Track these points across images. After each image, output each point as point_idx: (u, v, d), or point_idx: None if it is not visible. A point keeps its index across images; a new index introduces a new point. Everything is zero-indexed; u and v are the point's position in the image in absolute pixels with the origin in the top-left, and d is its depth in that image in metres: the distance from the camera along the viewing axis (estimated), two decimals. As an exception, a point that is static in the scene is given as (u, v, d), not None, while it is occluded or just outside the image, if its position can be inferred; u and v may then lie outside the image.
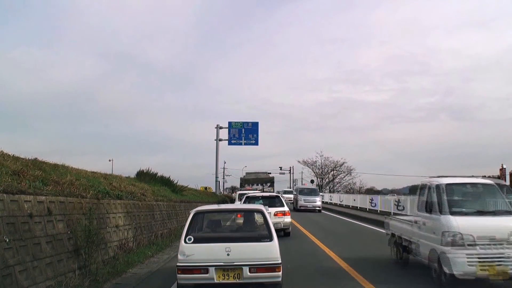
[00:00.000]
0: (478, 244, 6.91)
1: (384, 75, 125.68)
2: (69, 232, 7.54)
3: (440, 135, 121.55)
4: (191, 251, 6.18)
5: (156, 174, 21.75)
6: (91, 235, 7.66)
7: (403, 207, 23.25)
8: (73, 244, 7.57)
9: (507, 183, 52.94)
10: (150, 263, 10.09)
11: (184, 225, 6.71)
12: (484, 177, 10.88)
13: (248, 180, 61.53)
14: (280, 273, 6.21)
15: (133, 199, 12.24)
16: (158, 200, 15.34)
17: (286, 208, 15.56)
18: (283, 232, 14.98)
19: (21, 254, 6.04)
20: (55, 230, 7.16)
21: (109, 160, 59.62)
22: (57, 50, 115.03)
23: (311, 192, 34.94)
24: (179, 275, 6.17)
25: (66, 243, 7.40)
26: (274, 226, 6.96)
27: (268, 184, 57.66)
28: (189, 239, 6.30)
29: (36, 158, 10.07)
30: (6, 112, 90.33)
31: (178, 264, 6.20)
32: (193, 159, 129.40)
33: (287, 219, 15.30)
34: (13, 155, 9.35)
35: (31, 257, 6.27)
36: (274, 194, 19.45)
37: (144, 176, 20.68)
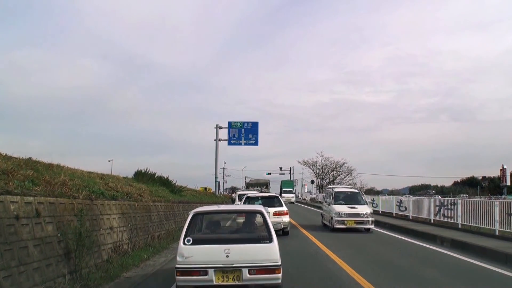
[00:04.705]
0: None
1: (385, 76, 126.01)
2: (59, 234, 7.17)
3: (441, 136, 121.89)
4: (190, 253, 6.08)
5: (154, 174, 21.37)
6: (82, 237, 7.29)
7: (405, 208, 22.92)
8: (63, 247, 7.21)
9: (508, 183, 52.36)
10: (145, 267, 9.69)
11: (183, 227, 6.60)
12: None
13: (250, 184, 68.77)
14: (280, 274, 6.12)
15: (129, 200, 11.86)
16: (156, 201, 14.97)
17: (284, 208, 16.06)
18: (282, 232, 15.45)
19: (6, 258, 5.69)
20: (44, 232, 6.80)
21: (109, 161, 59.40)
22: (60, 53, 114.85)
23: (352, 199, 18.42)
24: (178, 277, 6.05)
25: (56, 246, 7.03)
26: (274, 226, 6.86)
27: (264, 187, 62.98)
28: (188, 241, 6.19)
29: (30, 158, 9.76)
30: (8, 113, 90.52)
31: (176, 266, 6.09)
32: (194, 160, 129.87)
33: (286, 218, 15.81)
34: (5, 154, 9.07)
35: (17, 261, 5.91)
36: (273, 194, 19.64)
37: (142, 176, 20.29)
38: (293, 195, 61.31)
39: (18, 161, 8.84)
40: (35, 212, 6.69)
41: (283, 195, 52.90)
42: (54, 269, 6.78)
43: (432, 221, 18.99)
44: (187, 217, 6.75)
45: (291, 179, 79.50)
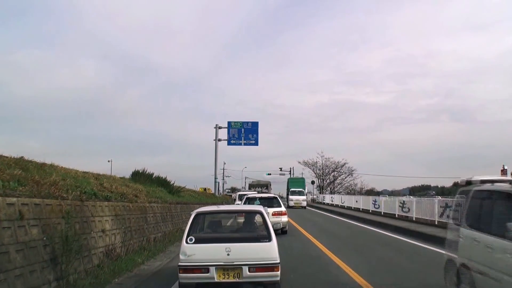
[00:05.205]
0: None
1: (385, 77, 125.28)
2: (44, 238, 6.68)
3: (441, 137, 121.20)
4: (192, 251, 6.33)
5: (152, 174, 20.90)
6: (69, 241, 6.81)
7: (408, 209, 22.46)
8: (49, 252, 6.72)
9: (509, 184, 52.26)
10: (139, 271, 9.19)
11: (185, 226, 6.85)
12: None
13: (252, 185, 70.11)
14: (279, 272, 6.34)
15: (123, 201, 11.37)
16: (152, 202, 14.47)
17: (283, 208, 16.76)
18: (281, 231, 16.05)
19: (-16, 265, 5.23)
20: (28, 236, 6.32)
21: (108, 161, 58.85)
22: (60, 53, 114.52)
23: None
24: (180, 274, 6.31)
25: (41, 251, 6.55)
26: (273, 225, 7.16)
27: (265, 188, 63.20)
28: (190, 240, 6.45)
29: (22, 157, 9.32)
30: (8, 113, 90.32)
31: (179, 263, 6.35)
32: (194, 160, 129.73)
33: (284, 218, 16.56)
34: (-5, 153, 8.65)
35: (-4, 268, 5.45)
36: (272, 195, 20.28)
37: (139, 176, 19.83)
38: (305, 197, 46.17)
39: (8, 160, 8.41)
40: (18, 214, 6.21)
41: (290, 196, 44.41)
42: (38, 275, 6.30)
43: (436, 223, 18.52)
44: (190, 217, 6.97)
45: (291, 176, 72.61)
